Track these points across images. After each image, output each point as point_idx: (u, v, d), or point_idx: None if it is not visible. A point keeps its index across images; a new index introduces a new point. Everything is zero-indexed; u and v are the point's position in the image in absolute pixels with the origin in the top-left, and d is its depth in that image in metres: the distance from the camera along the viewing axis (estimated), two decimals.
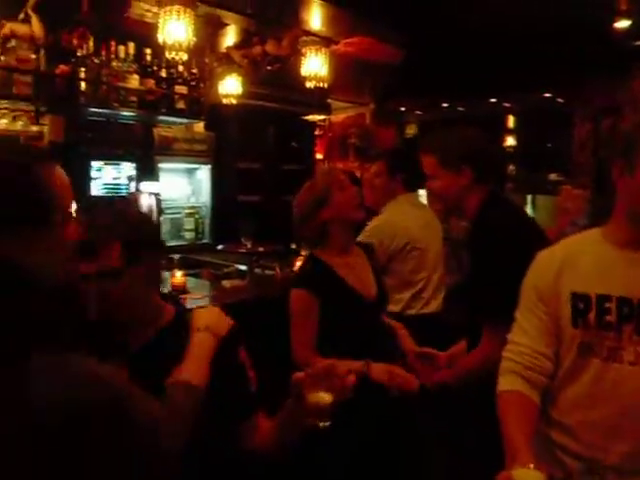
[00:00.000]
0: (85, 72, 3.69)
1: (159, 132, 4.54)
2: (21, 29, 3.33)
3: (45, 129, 3.88)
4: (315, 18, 4.68)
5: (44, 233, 0.94)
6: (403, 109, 6.89)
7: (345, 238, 2.07)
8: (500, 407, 1.35)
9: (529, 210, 5.89)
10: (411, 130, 7.07)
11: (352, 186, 2.09)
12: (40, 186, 0.94)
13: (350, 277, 2.02)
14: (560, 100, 6.10)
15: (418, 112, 7.06)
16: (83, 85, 3.71)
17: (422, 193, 3.26)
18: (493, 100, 6.42)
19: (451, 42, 5.21)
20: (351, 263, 2.06)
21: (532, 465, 1.08)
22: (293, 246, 4.13)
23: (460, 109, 6.68)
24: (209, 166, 4.96)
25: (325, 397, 1.19)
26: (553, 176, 6.53)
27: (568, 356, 1.35)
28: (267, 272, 3.43)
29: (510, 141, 7.09)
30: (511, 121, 7.03)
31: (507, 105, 6.66)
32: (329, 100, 5.87)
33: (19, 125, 3.88)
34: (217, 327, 1.34)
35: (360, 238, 2.85)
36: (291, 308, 1.96)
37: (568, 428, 1.35)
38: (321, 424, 1.20)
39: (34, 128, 3.88)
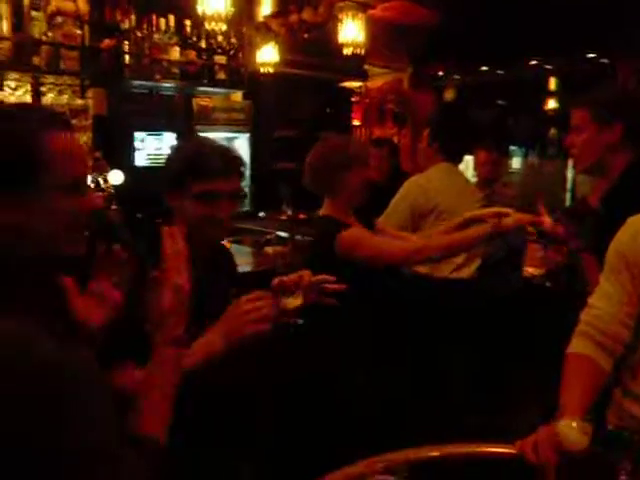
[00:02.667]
0: (128, 46, 3.79)
1: (198, 102, 4.63)
2: (67, 6, 3.43)
3: (90, 102, 4.01)
4: None
5: (29, 195, 0.89)
6: (441, 73, 6.78)
7: (351, 200, 2.17)
8: (564, 368, 1.33)
9: (570, 175, 5.79)
10: (449, 95, 6.96)
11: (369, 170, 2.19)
12: (25, 147, 0.89)
13: None
14: (604, 60, 5.91)
15: (456, 76, 6.94)
16: (127, 58, 3.81)
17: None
18: (534, 62, 6.25)
19: (489, 3, 5.09)
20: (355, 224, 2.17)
21: (578, 419, 1.09)
22: None
23: (499, 72, 6.53)
24: (247, 135, 5.04)
25: (294, 301, 1.39)
26: None
27: None
28: (307, 238, 3.51)
29: (551, 104, 6.93)
30: (553, 83, 6.85)
31: (548, 67, 6.47)
32: (366, 66, 5.84)
33: (65, 99, 4.03)
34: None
35: (396, 196, 2.92)
36: (353, 242, 2.02)
37: None
38: (292, 321, 1.40)
39: (79, 101, 4.02)
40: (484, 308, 2.83)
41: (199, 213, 1.41)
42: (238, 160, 1.53)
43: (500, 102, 7.25)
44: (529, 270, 3.31)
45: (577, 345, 1.37)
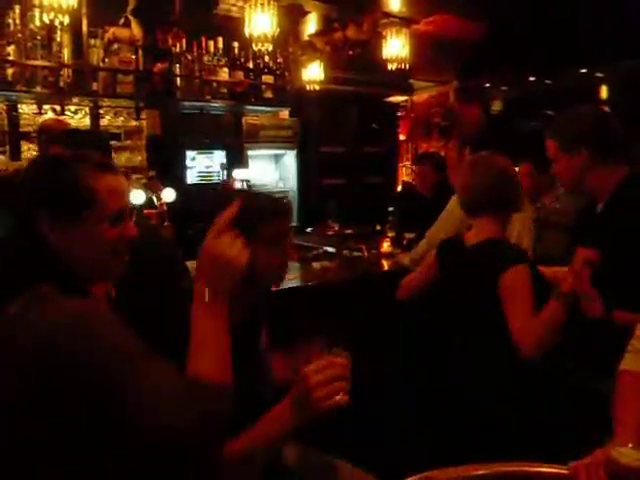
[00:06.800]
0: (179, 68, 3.94)
1: (247, 120, 4.75)
2: (122, 33, 3.60)
3: (144, 123, 4.18)
4: None
5: (75, 226, 1.11)
6: (488, 85, 6.71)
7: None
8: (617, 386, 1.31)
9: None
10: (497, 107, 6.87)
11: None
12: (74, 185, 1.11)
13: None
14: None
15: (503, 88, 6.85)
16: (178, 80, 3.97)
17: None
18: (584, 71, 6.11)
19: (534, 11, 5.03)
20: None
21: (631, 444, 1.07)
22: (378, 228, 4.22)
23: (548, 82, 6.42)
24: (294, 151, 5.13)
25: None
26: None
27: None
28: (354, 254, 3.53)
29: None
30: (604, 92, 6.68)
31: (600, 75, 6.32)
32: (411, 80, 5.85)
33: (120, 121, 4.21)
34: None
35: (444, 210, 2.91)
36: (517, 282, 1.79)
37: None
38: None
39: (134, 123, 4.19)
40: None
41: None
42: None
43: (549, 112, 7.12)
44: None
45: (631, 362, 1.34)
